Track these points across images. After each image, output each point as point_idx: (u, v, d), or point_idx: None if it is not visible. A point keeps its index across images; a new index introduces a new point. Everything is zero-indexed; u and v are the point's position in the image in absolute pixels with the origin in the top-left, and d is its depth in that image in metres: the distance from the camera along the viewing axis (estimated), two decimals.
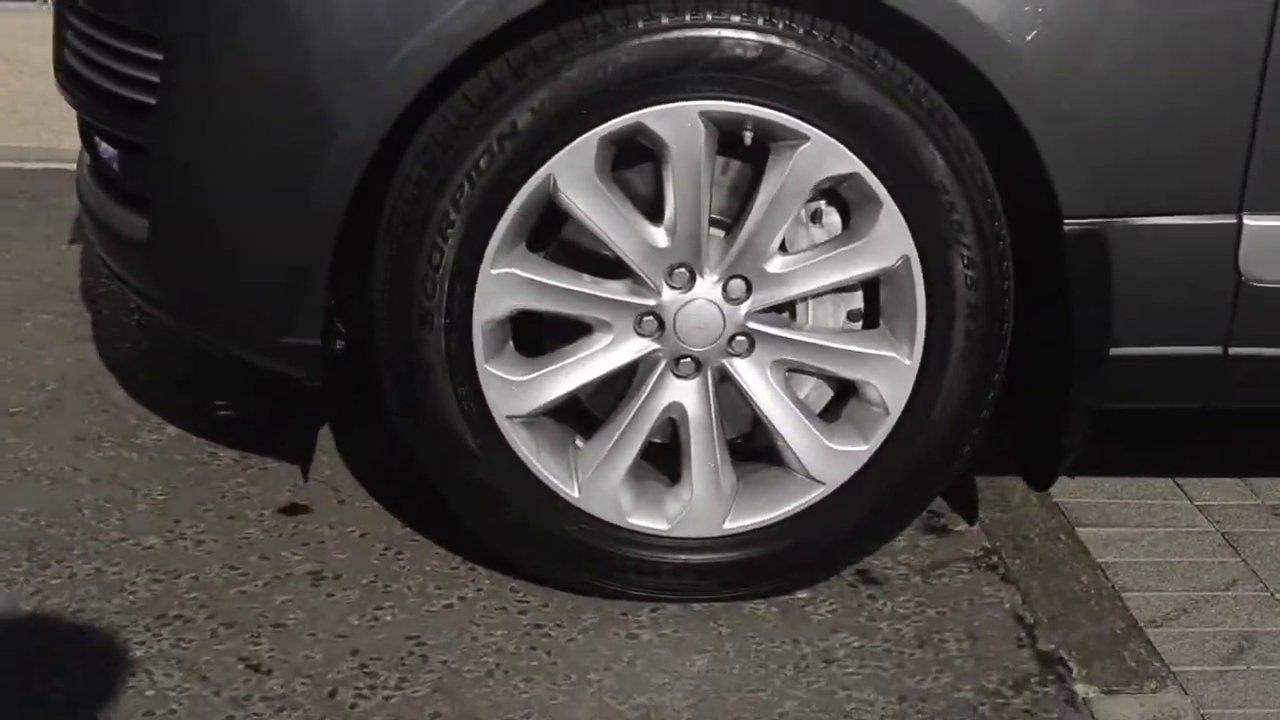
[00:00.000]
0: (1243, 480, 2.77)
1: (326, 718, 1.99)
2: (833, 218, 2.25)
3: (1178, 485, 2.74)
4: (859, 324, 2.30)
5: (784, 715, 2.04)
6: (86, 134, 2.55)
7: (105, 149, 2.47)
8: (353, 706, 2.02)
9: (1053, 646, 2.22)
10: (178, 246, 2.34)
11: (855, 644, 2.23)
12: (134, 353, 3.11)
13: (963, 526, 2.57)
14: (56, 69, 2.56)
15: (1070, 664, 2.19)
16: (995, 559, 2.47)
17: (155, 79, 2.22)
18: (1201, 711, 2.09)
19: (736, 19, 2.05)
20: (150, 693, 2.03)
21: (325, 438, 2.79)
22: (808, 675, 2.14)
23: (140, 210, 2.34)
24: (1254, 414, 2.81)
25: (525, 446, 2.21)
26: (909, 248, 2.15)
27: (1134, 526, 2.60)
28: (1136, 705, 2.10)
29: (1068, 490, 2.67)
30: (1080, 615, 2.32)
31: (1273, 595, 2.38)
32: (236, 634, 2.19)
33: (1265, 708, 2.12)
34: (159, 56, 2.21)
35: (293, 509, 2.56)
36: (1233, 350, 2.28)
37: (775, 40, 2.05)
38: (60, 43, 2.50)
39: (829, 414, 2.32)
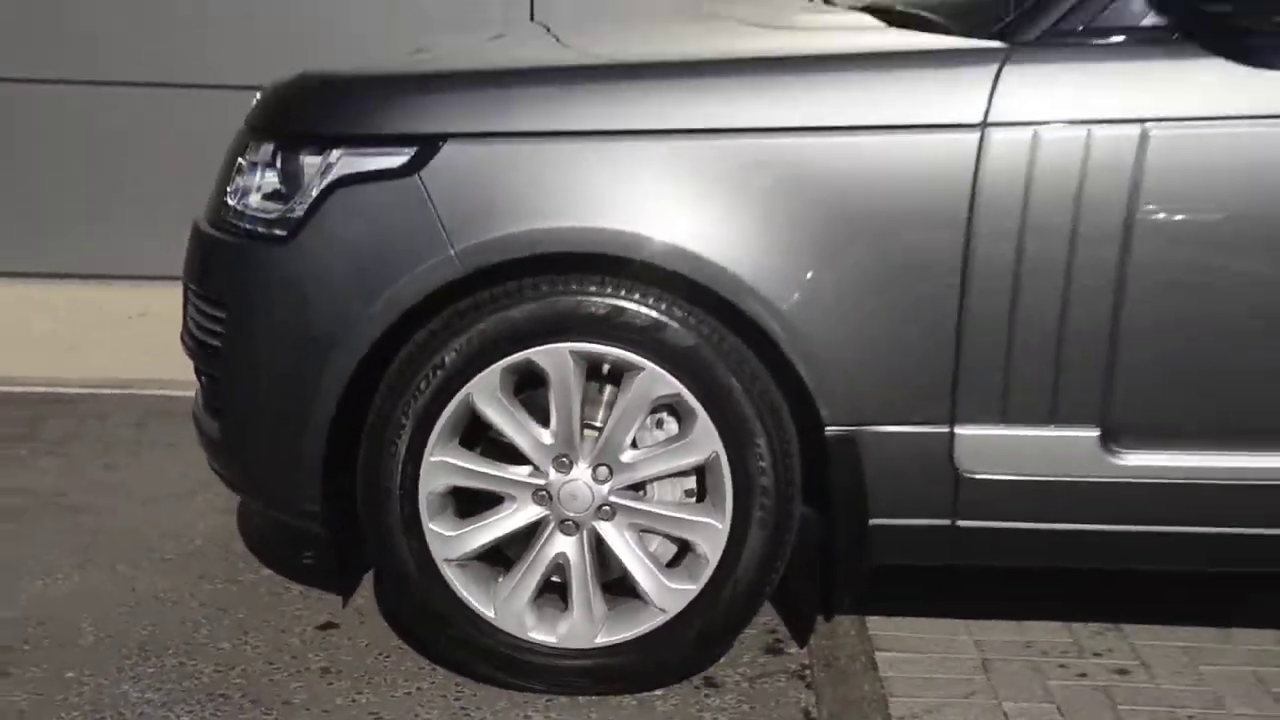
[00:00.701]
0: (1018, 622, 2.90)
1: None
2: (672, 425, 2.48)
3: (969, 624, 2.89)
4: (693, 499, 2.53)
5: None
6: (196, 371, 2.82)
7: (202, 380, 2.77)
8: None
9: None
10: (236, 443, 2.64)
11: None
12: (257, 522, 3.35)
13: (794, 649, 2.74)
14: (181, 333, 2.83)
15: None
16: (807, 672, 2.63)
17: (221, 330, 2.57)
18: None
19: (593, 289, 2.34)
20: None
21: (367, 580, 3.02)
22: None
23: (216, 418, 2.70)
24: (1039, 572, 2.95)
25: (457, 581, 2.48)
26: (718, 446, 2.39)
27: (919, 652, 2.72)
28: None
29: (883, 625, 2.85)
30: (852, 713, 2.49)
31: (999, 704, 2.53)
32: (257, 707, 2.48)
33: None
34: (222, 315, 2.57)
35: (326, 625, 2.82)
36: (959, 522, 2.48)
37: (619, 303, 2.34)
38: (184, 313, 2.79)
39: (673, 563, 2.53)
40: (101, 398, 4.28)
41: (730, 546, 2.44)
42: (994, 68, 2.30)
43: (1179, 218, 2.30)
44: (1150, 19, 2.31)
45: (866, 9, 2.95)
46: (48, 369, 4.58)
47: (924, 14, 2.65)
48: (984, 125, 2.28)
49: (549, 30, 3.42)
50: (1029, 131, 2.28)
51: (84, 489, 3.60)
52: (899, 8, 2.79)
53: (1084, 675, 2.64)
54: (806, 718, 2.48)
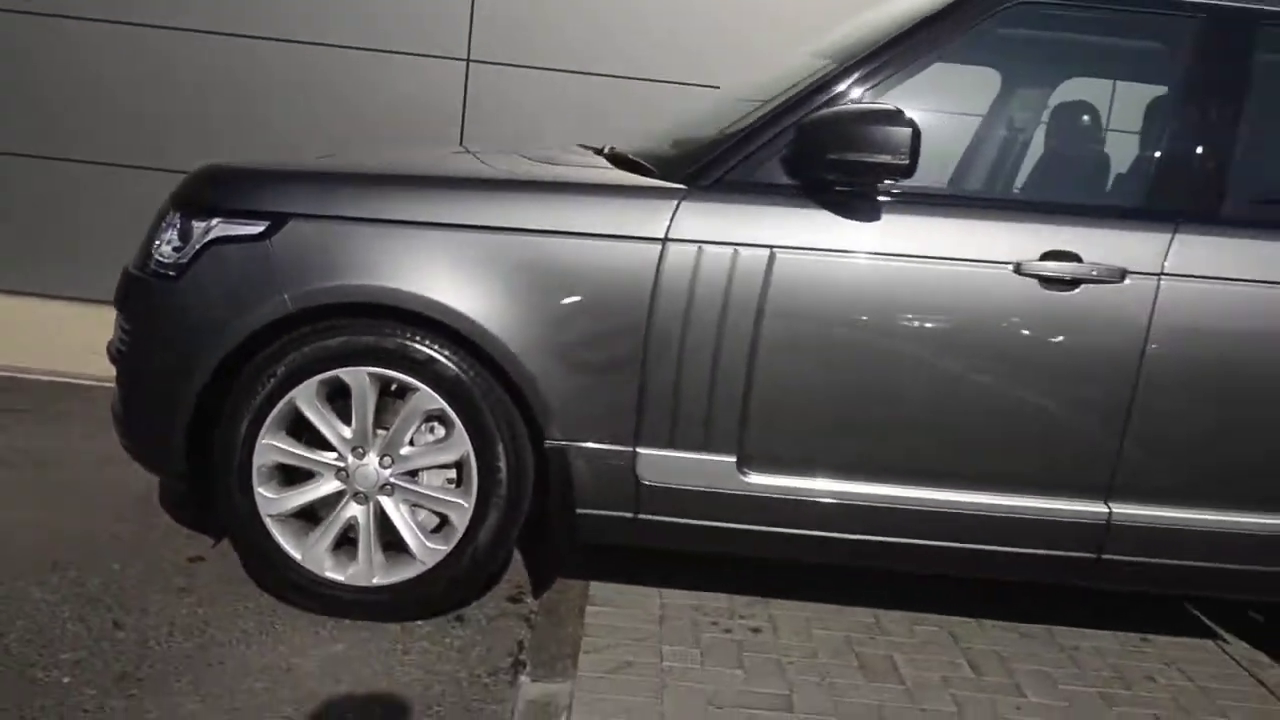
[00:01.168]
0: (695, 591, 3.37)
1: None
2: (439, 430, 2.94)
3: (663, 591, 3.34)
4: (453, 485, 2.98)
5: (382, 675, 2.75)
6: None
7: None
8: None
9: (525, 658, 2.90)
10: (132, 425, 3.05)
11: (425, 644, 2.92)
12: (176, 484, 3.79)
13: (529, 600, 3.22)
14: (107, 345, 3.18)
15: (526, 665, 2.86)
16: (532, 616, 3.11)
17: (129, 341, 3.00)
18: (576, 696, 2.72)
19: (387, 330, 2.82)
20: None
21: None
22: (400, 655, 2.85)
23: (121, 406, 3.07)
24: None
25: (276, 531, 2.93)
26: (468, 448, 2.86)
27: (619, 608, 3.18)
28: (539, 689, 2.74)
29: (601, 588, 3.31)
30: (551, 645, 2.96)
31: (659, 647, 3.03)
32: (120, 609, 2.92)
33: (630, 695, 2.74)
34: (130, 330, 3.00)
35: (195, 559, 3.24)
36: (640, 515, 2.96)
37: (404, 341, 2.81)
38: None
39: (436, 530, 2.99)
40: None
41: (473, 522, 2.91)
42: (675, 202, 2.83)
43: (793, 310, 2.82)
44: (784, 179, 2.84)
45: (605, 155, 3.43)
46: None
47: (641, 161, 3.15)
48: (665, 240, 2.81)
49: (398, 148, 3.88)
50: (695, 246, 2.80)
51: (57, 450, 4.03)
52: (629, 156, 3.26)
53: (729, 631, 3.14)
54: (519, 647, 2.96)
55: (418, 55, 5.82)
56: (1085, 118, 3.48)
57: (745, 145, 2.87)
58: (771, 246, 2.80)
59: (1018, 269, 2.81)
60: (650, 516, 2.96)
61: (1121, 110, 3.28)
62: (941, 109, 3.21)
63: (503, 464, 2.88)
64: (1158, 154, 3.02)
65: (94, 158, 5.80)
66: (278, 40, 5.84)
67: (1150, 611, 3.54)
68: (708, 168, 2.88)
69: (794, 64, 3.21)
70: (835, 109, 2.74)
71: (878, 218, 2.81)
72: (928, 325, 2.83)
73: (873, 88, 2.85)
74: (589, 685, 2.76)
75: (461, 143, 5.88)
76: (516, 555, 3.43)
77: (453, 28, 5.73)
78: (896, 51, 2.87)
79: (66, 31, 5.73)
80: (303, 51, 5.78)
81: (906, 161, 2.64)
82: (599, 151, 3.45)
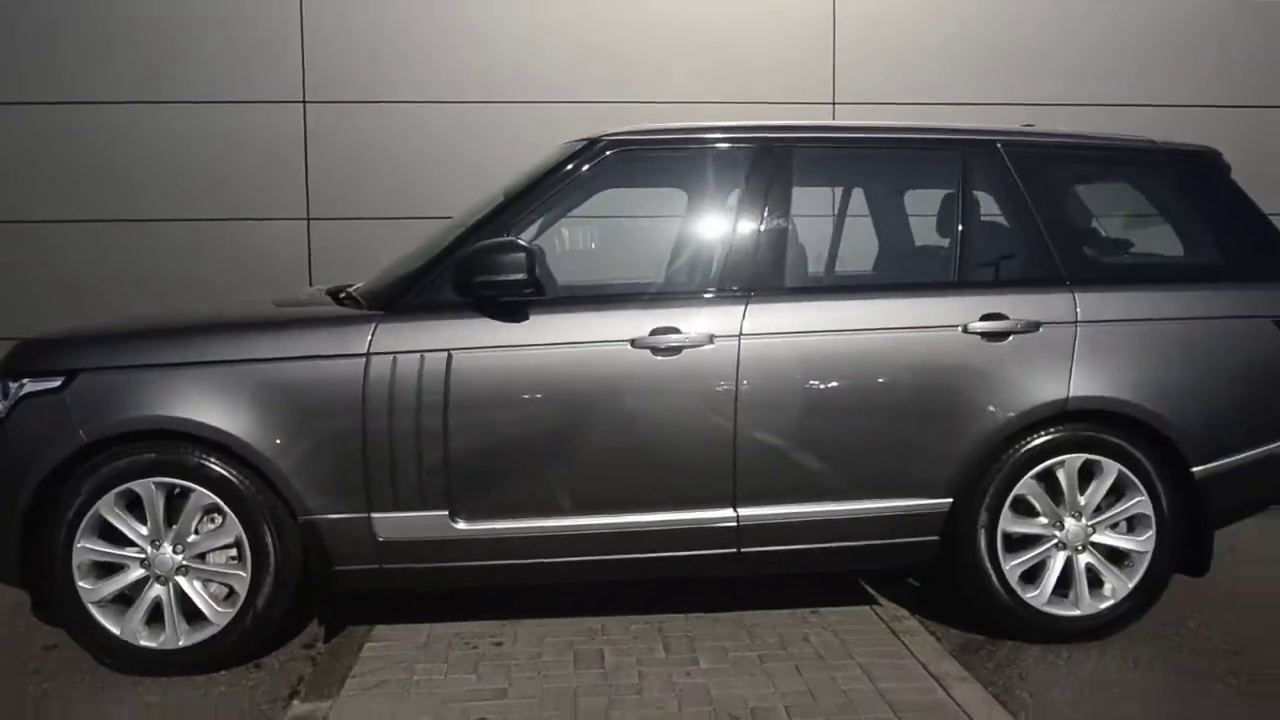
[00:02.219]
0: (457, 622, 4.08)
1: None
2: (218, 519, 3.61)
3: (433, 625, 4.05)
4: (236, 560, 3.65)
5: (183, 713, 3.39)
6: None
7: None
8: None
9: (301, 688, 3.55)
10: None
11: (223, 688, 3.56)
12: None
13: (320, 645, 3.90)
14: None
15: (301, 693, 3.51)
16: (317, 657, 3.81)
17: None
18: (334, 709, 3.37)
19: (162, 449, 3.52)
20: None
21: None
22: (200, 698, 3.49)
23: None
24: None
25: (97, 614, 3.58)
26: (240, 531, 3.56)
27: (392, 641, 3.86)
28: (306, 707, 3.37)
29: (385, 630, 4.00)
30: (325, 677, 3.63)
31: (413, 665, 3.70)
32: None
33: (379, 704, 3.39)
34: None
35: (51, 646, 3.91)
36: (384, 565, 3.63)
37: (179, 457, 3.52)
38: None
39: (228, 598, 3.68)
40: None
41: (251, 588, 3.60)
42: (373, 325, 3.59)
43: (470, 396, 3.57)
44: (455, 298, 3.60)
45: (331, 293, 4.14)
46: None
47: (356, 296, 3.89)
48: (368, 354, 3.56)
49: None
50: (390, 356, 3.56)
51: None
52: (347, 293, 4.00)
53: (475, 648, 3.83)
54: (299, 681, 3.63)
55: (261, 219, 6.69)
56: (677, 223, 4.28)
57: (424, 277, 3.66)
58: (449, 350, 3.56)
59: (633, 343, 3.59)
60: (391, 565, 3.67)
61: (704, 215, 4.10)
62: (575, 227, 4.02)
63: (269, 539, 3.57)
64: (733, 247, 3.82)
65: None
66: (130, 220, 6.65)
67: (822, 589, 4.29)
68: (397, 297, 3.66)
69: (485, 196, 4.00)
70: (473, 246, 3.53)
71: (525, 318, 3.59)
72: (573, 394, 3.59)
73: (514, 223, 3.64)
74: (348, 701, 3.43)
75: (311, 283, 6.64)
76: (314, 610, 4.11)
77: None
78: (530, 196, 3.69)
79: None
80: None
81: (525, 277, 3.43)
82: (334, 291, 4.16)
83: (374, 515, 3.61)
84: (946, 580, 3.96)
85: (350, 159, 6.74)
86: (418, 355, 3.55)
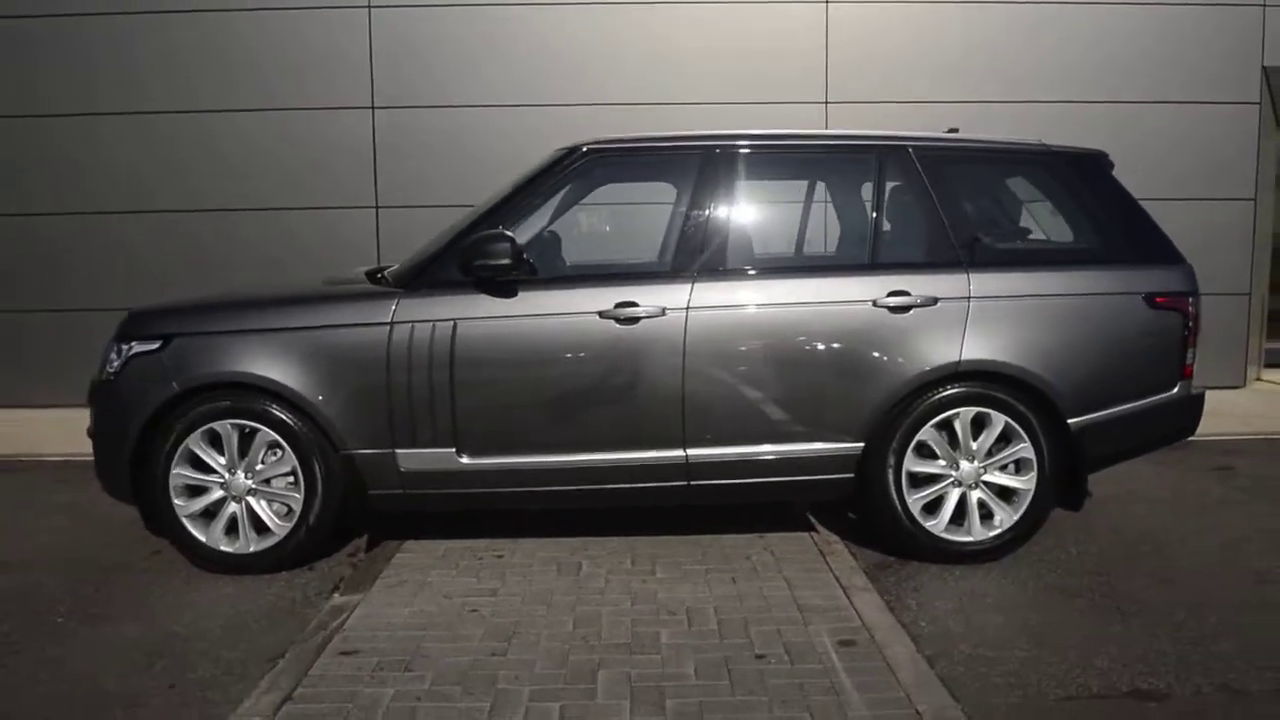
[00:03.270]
0: (472, 539, 4.83)
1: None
2: (279, 453, 4.40)
3: (455, 541, 4.82)
4: (293, 485, 4.46)
5: (250, 599, 4.22)
6: None
7: None
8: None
9: (340, 585, 4.35)
10: (101, 467, 4.56)
11: (281, 584, 4.37)
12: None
13: (361, 555, 4.70)
14: (87, 429, 4.88)
15: (340, 588, 4.30)
16: (357, 564, 4.60)
17: (93, 418, 4.51)
18: (363, 600, 4.17)
19: (237, 397, 4.33)
20: None
21: None
22: (264, 590, 4.31)
23: (95, 456, 4.62)
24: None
25: (189, 525, 4.42)
26: (295, 463, 4.36)
27: (416, 553, 4.67)
28: (342, 599, 4.18)
29: (413, 546, 4.78)
30: (359, 578, 4.43)
31: (427, 573, 4.46)
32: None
33: (397, 599, 4.19)
34: (92, 411, 4.53)
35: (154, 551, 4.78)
36: (406, 490, 4.42)
37: (248, 404, 4.33)
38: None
39: (287, 515, 4.48)
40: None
41: (304, 507, 4.41)
42: (396, 300, 4.35)
43: (472, 357, 4.30)
44: (461, 278, 4.33)
45: (369, 274, 4.92)
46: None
47: (384, 275, 4.66)
48: (391, 323, 4.32)
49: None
50: (409, 325, 4.31)
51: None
52: (382, 274, 4.77)
53: (481, 559, 4.59)
54: (340, 580, 4.41)
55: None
56: (641, 215, 4.94)
57: (435, 261, 4.41)
58: (454, 319, 4.28)
59: (600, 314, 4.27)
60: (412, 490, 4.43)
61: (661, 209, 4.76)
62: (570, 223, 4.71)
63: (317, 469, 4.36)
64: (684, 235, 4.46)
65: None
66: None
67: (774, 520, 4.94)
68: (415, 277, 4.40)
69: (494, 191, 4.71)
70: (471, 237, 4.24)
71: (515, 294, 4.30)
72: (552, 356, 4.31)
73: (509, 217, 4.34)
74: (374, 596, 4.22)
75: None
76: (358, 527, 4.91)
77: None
78: (522, 194, 4.39)
79: None
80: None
81: (510, 262, 4.14)
82: (372, 272, 4.93)
83: (398, 451, 4.37)
84: (862, 511, 4.57)
85: (413, 156, 7.56)
86: (430, 324, 4.29)
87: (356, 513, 4.55)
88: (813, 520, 5.02)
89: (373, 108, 7.54)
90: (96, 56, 7.53)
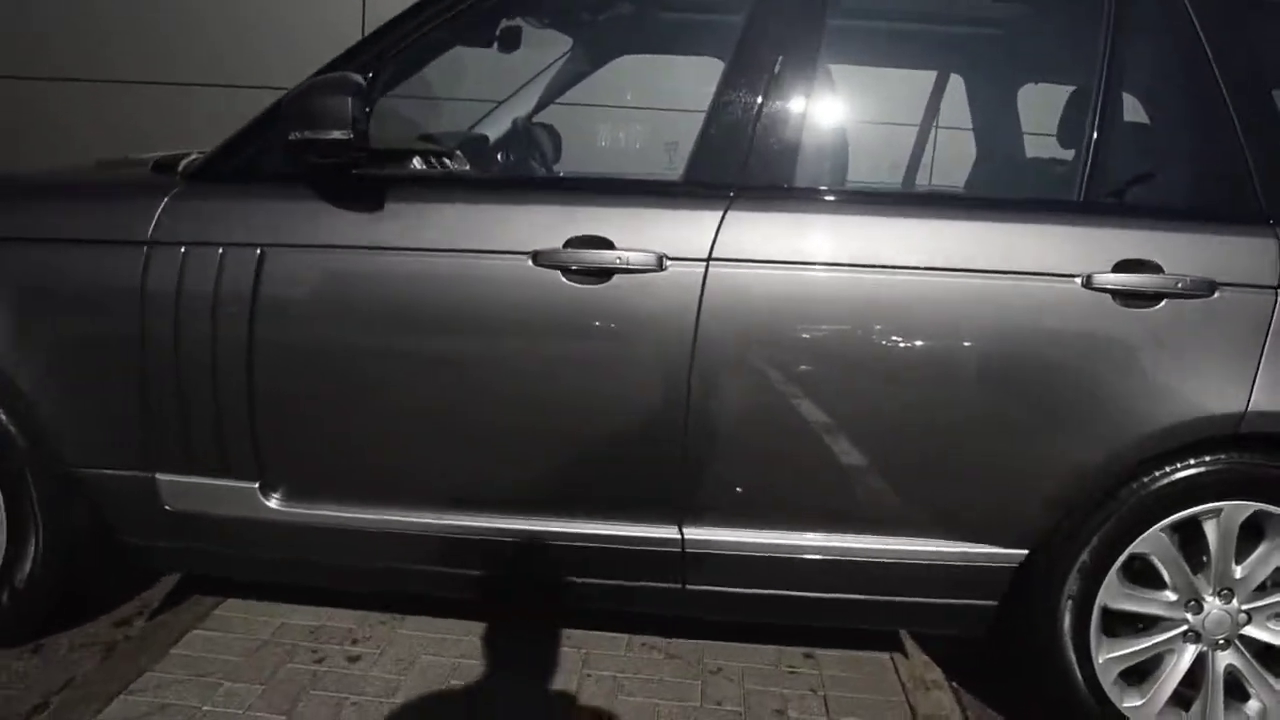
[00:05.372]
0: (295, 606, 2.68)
1: None
2: None
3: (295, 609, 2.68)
4: None
5: None
6: None
7: None
8: None
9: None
10: None
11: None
12: None
13: (134, 626, 2.57)
14: None
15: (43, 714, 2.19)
16: (119, 641, 2.46)
17: None
18: None
19: None
20: None
21: None
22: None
23: None
24: None
25: None
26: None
27: (228, 631, 2.54)
28: None
29: (235, 607, 2.64)
30: (90, 695, 2.30)
31: (220, 681, 2.32)
32: None
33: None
34: None
35: None
36: (176, 543, 2.25)
37: None
38: None
39: None
40: None
41: (7, 559, 2.25)
42: (165, 197, 2.11)
43: (285, 317, 2.07)
44: (286, 169, 2.07)
45: (165, 161, 2.44)
46: None
47: (168, 162, 2.34)
48: (149, 242, 2.10)
49: None
50: (178, 248, 2.09)
51: None
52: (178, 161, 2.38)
53: (320, 659, 2.42)
54: (67, 683, 2.27)
55: None
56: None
57: (253, 131, 2.12)
58: (259, 245, 2.05)
59: (535, 258, 2.01)
60: (189, 545, 2.26)
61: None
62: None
63: (31, 499, 2.21)
64: (719, 120, 2.13)
65: None
66: None
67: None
68: (212, 159, 2.14)
69: None
70: (298, 86, 1.96)
71: (377, 205, 2.03)
72: (439, 333, 2.05)
73: (379, 58, 2.06)
74: None
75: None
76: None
77: None
78: (401, 28, 2.09)
79: None
80: None
81: (349, 136, 1.86)
82: (173, 158, 2.65)
83: (159, 476, 2.19)
84: (1008, 663, 2.30)
85: None
86: (216, 249, 2.06)
87: (101, 567, 2.39)
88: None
89: None
90: None
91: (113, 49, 5.37)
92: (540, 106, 3.13)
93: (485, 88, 3.18)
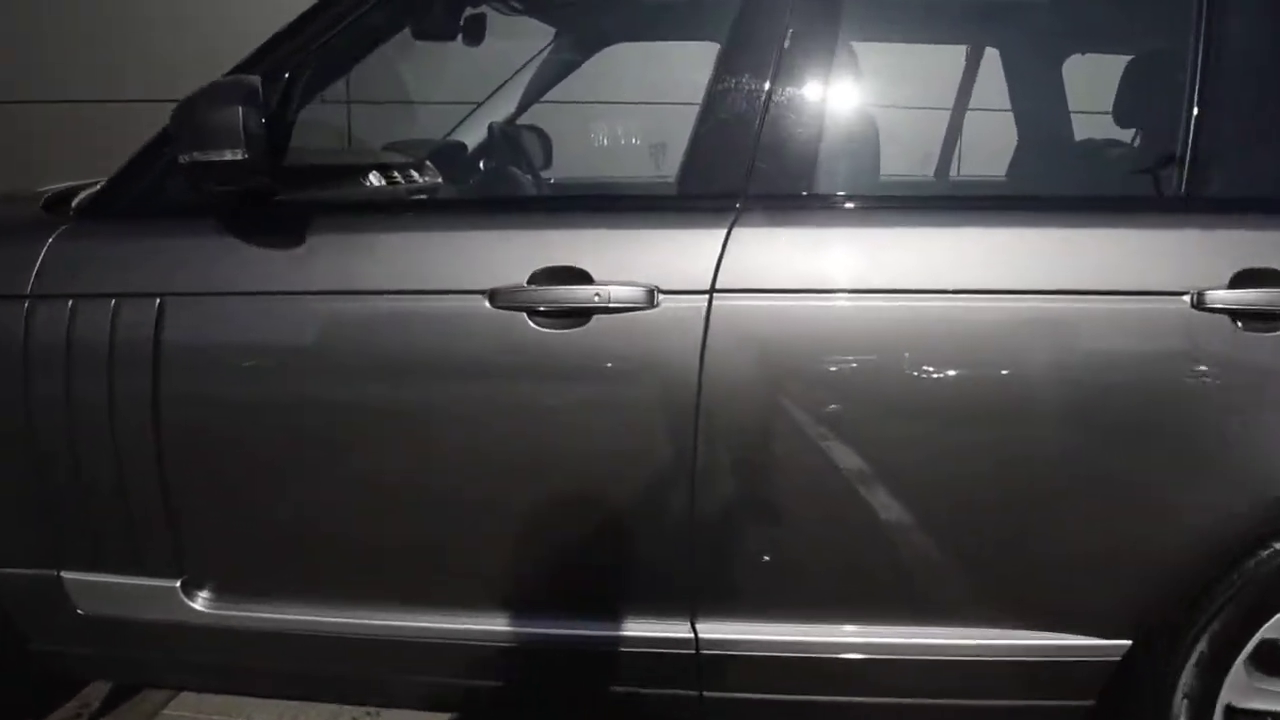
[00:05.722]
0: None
1: None
2: None
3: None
4: None
5: None
6: None
7: None
8: None
9: None
10: None
11: None
12: None
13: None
14: None
15: None
16: None
17: None
18: None
19: None
20: None
21: None
22: None
23: None
24: None
25: None
26: None
27: None
28: None
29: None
30: None
31: None
32: None
33: None
34: None
35: None
36: (93, 651, 1.83)
37: None
38: None
39: None
40: None
41: None
42: (48, 239, 1.69)
43: (196, 384, 1.66)
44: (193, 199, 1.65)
45: (58, 196, 1.99)
46: None
47: (65, 196, 1.91)
48: (30, 296, 1.68)
49: None
50: (65, 301, 1.67)
51: None
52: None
53: None
54: None
55: None
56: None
57: (150, 154, 1.72)
58: (159, 294, 1.64)
59: (493, 299, 1.58)
60: (108, 652, 1.86)
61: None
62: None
63: None
64: (721, 118, 1.69)
65: None
66: None
67: None
68: (105, 190, 1.74)
69: None
70: (191, 94, 1.54)
71: (299, 240, 1.62)
72: (372, 393, 1.63)
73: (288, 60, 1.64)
74: None
75: None
76: None
77: None
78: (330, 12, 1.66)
79: None
80: None
81: (243, 156, 1.44)
82: (68, 191, 2.21)
83: (65, 575, 1.79)
84: None
85: None
86: (108, 301, 1.65)
87: (22, 675, 2.01)
88: None
89: None
90: None
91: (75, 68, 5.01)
92: (524, 107, 2.71)
93: (466, 88, 2.77)
